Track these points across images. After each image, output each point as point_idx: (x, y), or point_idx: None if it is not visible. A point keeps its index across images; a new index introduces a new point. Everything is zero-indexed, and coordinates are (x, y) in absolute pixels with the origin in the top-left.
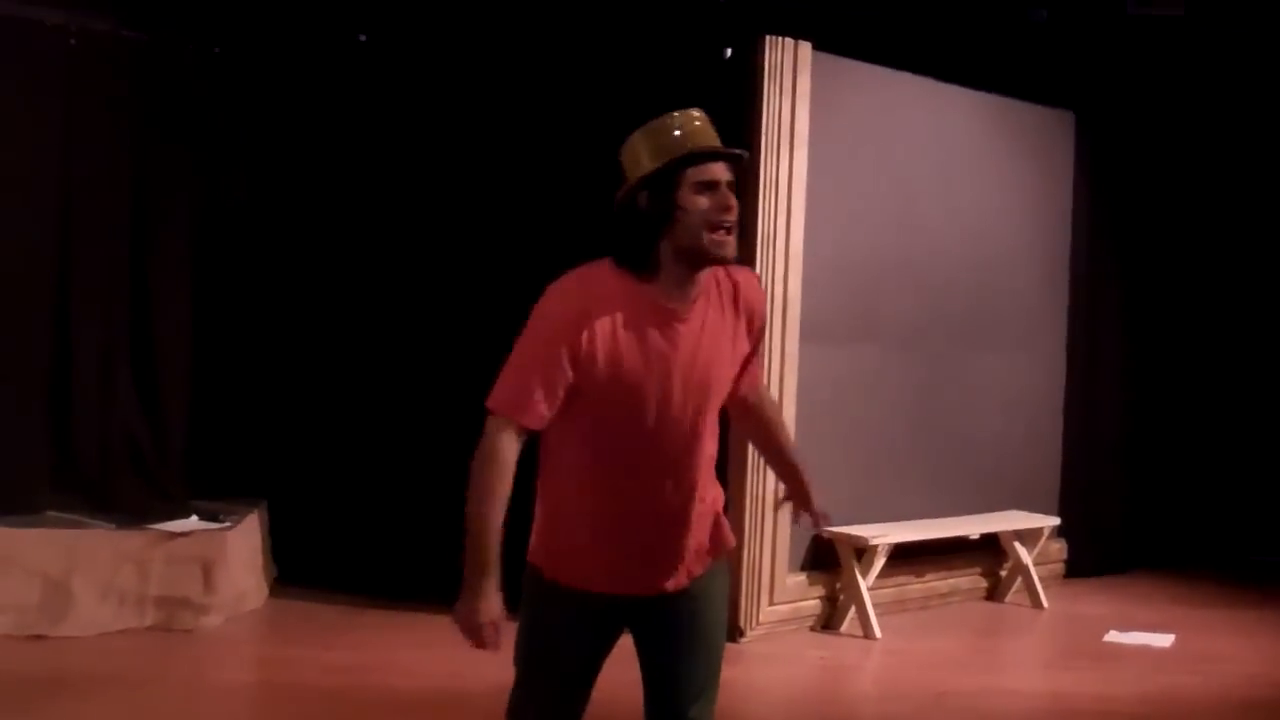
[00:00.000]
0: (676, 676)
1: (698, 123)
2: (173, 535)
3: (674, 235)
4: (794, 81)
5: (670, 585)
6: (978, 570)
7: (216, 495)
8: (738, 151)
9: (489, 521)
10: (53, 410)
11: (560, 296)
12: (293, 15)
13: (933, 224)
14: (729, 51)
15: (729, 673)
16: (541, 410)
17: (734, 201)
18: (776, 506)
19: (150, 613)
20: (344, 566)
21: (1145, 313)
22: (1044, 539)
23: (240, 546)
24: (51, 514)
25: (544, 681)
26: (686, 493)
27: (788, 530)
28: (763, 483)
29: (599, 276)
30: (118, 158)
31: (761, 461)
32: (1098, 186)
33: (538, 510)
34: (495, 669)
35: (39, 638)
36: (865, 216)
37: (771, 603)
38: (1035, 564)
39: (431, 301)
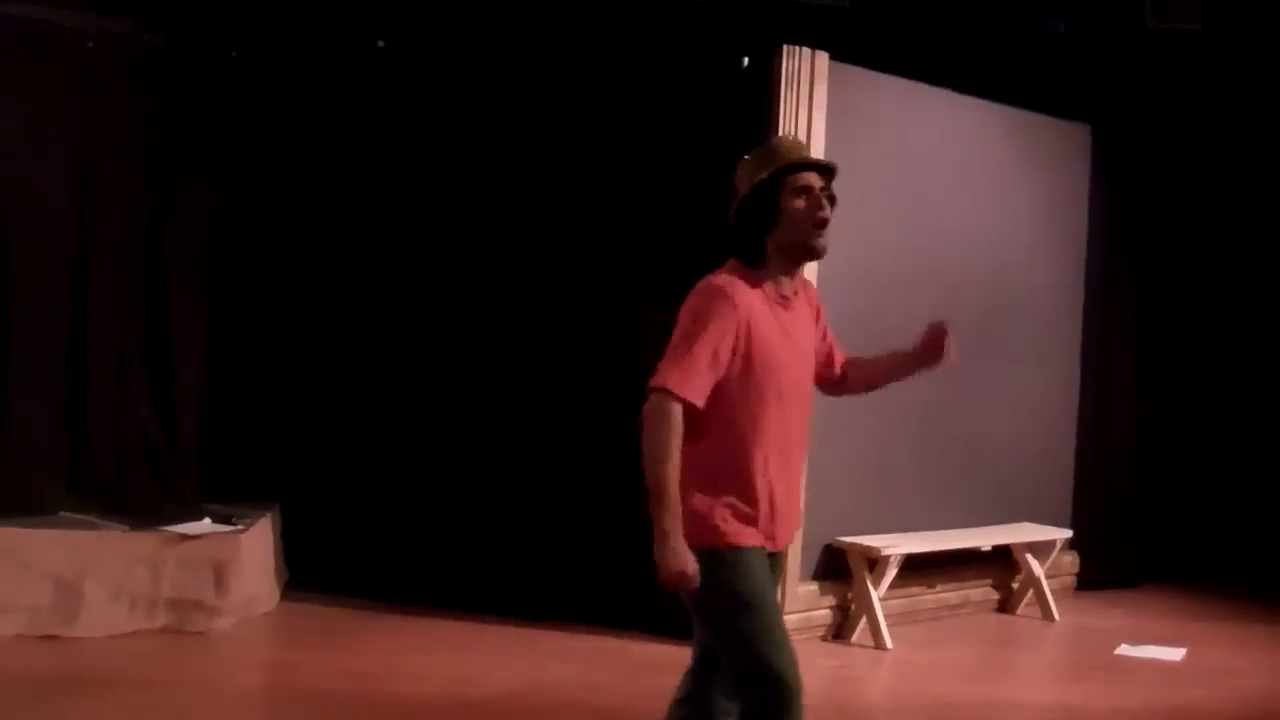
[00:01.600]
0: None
1: (792, 141)
2: (185, 537)
3: (778, 233)
4: (811, 91)
5: (788, 540)
6: (989, 582)
7: (229, 498)
8: (827, 161)
9: (674, 481)
10: (67, 412)
11: (715, 292)
12: (310, 20)
13: (948, 235)
14: (746, 61)
15: None
16: (706, 388)
17: (826, 203)
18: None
19: (162, 615)
20: (356, 571)
21: (1159, 325)
22: (1056, 551)
23: (253, 549)
24: (64, 515)
25: (775, 631)
26: (800, 456)
27: (799, 540)
28: None
29: (732, 273)
30: (134, 159)
31: None
32: (1114, 199)
33: (701, 497)
34: (504, 674)
35: (51, 638)
36: (880, 227)
37: (783, 612)
38: (1047, 576)
39: (446, 306)
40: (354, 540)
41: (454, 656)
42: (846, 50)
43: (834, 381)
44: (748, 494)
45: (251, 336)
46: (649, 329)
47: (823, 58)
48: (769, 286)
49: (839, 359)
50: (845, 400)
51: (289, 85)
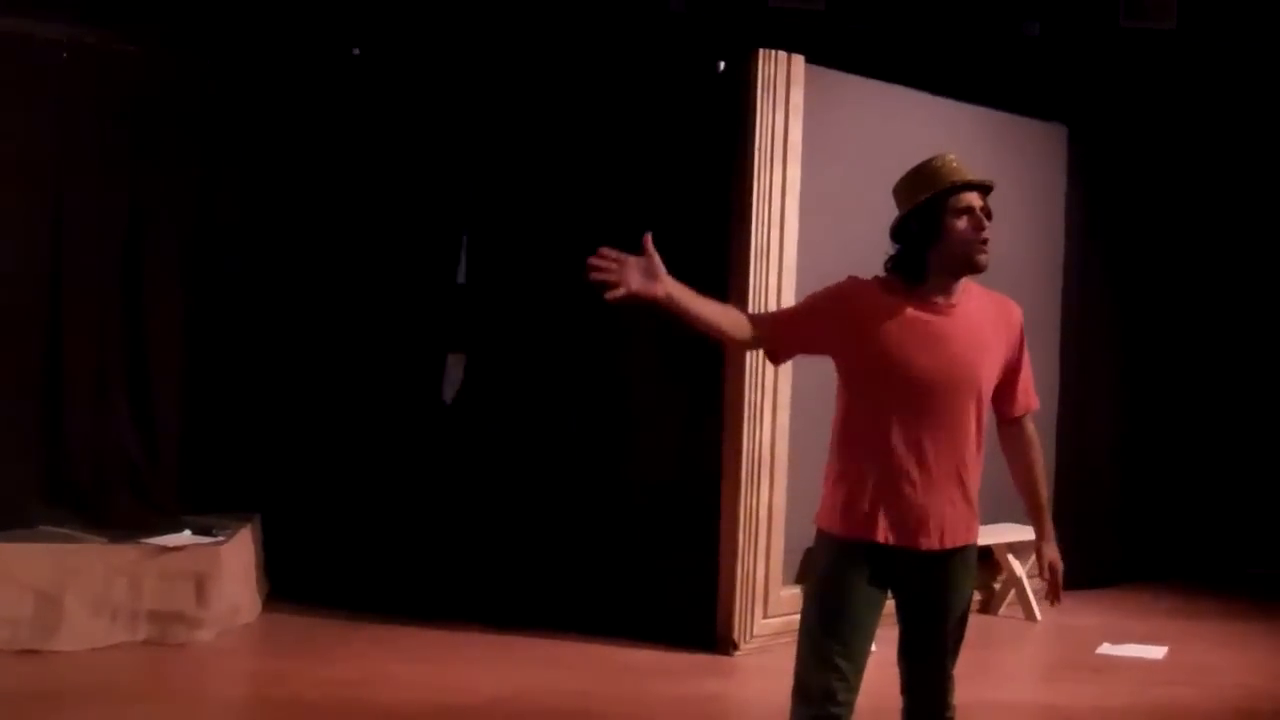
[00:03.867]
0: (923, 635)
1: (953, 162)
2: (166, 549)
3: (940, 250)
4: (787, 94)
5: (924, 544)
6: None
7: (209, 509)
8: (988, 182)
9: (707, 304)
10: (45, 425)
11: (836, 284)
12: (286, 28)
13: None
14: (722, 65)
15: (721, 685)
16: (788, 336)
17: (986, 223)
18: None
19: (143, 627)
20: (337, 581)
21: (1137, 324)
22: None
23: (234, 560)
24: (44, 528)
25: (836, 633)
26: (946, 461)
27: (781, 543)
28: (755, 495)
29: (867, 281)
30: (111, 171)
31: (756, 475)
32: (1090, 199)
33: (827, 481)
34: (488, 682)
35: (31, 653)
36: (858, 229)
37: (765, 615)
38: (1028, 576)
39: (424, 316)
40: (336, 550)
41: (437, 665)
42: (822, 54)
43: (999, 420)
44: (862, 489)
45: (230, 347)
46: (628, 335)
47: (798, 61)
48: (916, 293)
49: (1015, 405)
50: (825, 401)
51: (266, 93)
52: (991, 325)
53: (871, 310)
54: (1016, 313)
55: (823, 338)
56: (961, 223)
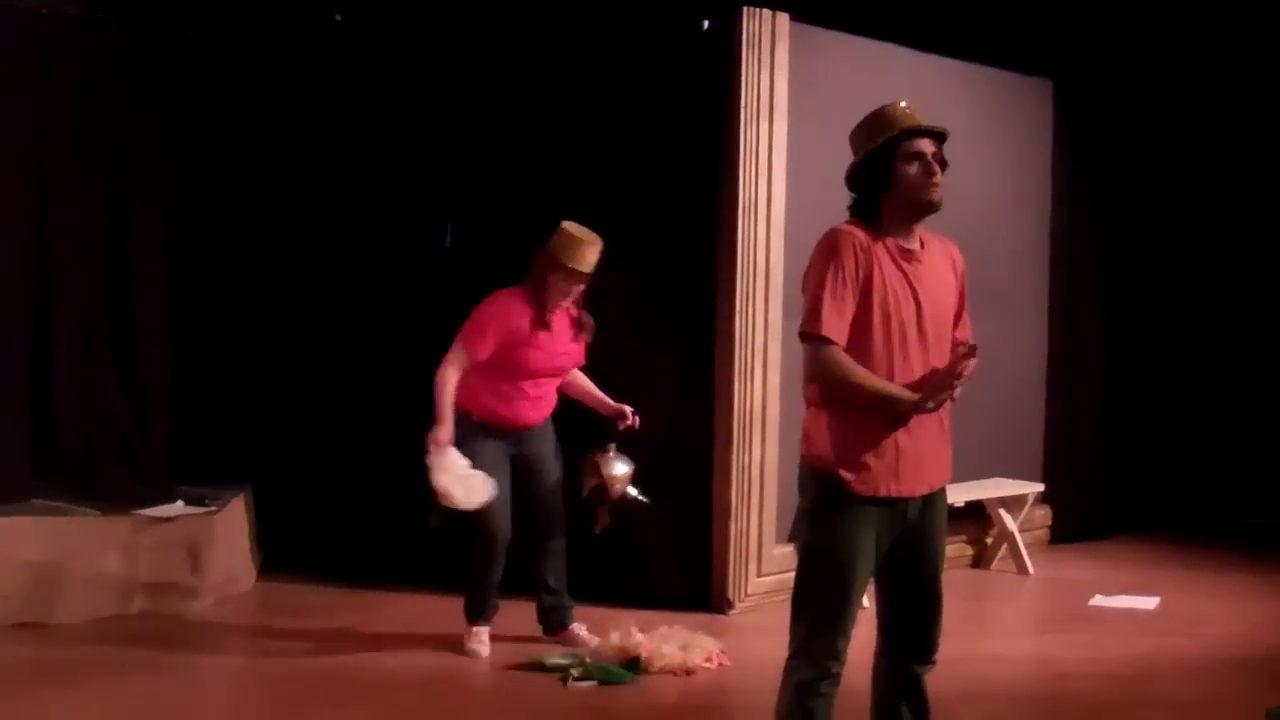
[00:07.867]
0: (917, 578)
1: (905, 108)
2: (158, 520)
3: (892, 195)
4: (772, 52)
5: (920, 490)
6: (963, 538)
7: (201, 480)
8: (939, 128)
9: (868, 378)
10: (35, 399)
11: (837, 241)
12: None
13: None
14: (706, 23)
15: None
16: (843, 327)
17: (937, 168)
18: None
19: (138, 598)
20: (331, 549)
21: (1126, 278)
22: (1028, 505)
23: (227, 530)
24: (37, 502)
25: (846, 598)
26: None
27: (775, 502)
28: (747, 454)
29: (851, 228)
30: (94, 141)
31: (748, 434)
32: (1076, 153)
33: (825, 413)
34: None
35: (27, 626)
36: (844, 184)
37: (759, 574)
38: (1020, 530)
39: (413, 283)
40: (328, 518)
41: (434, 631)
42: (807, 10)
43: None
44: (864, 437)
45: (219, 316)
46: (618, 297)
47: (783, 19)
48: (889, 241)
49: (961, 336)
50: None
51: (248, 61)
52: (948, 268)
53: (870, 254)
54: (959, 253)
55: (855, 300)
56: (912, 168)
